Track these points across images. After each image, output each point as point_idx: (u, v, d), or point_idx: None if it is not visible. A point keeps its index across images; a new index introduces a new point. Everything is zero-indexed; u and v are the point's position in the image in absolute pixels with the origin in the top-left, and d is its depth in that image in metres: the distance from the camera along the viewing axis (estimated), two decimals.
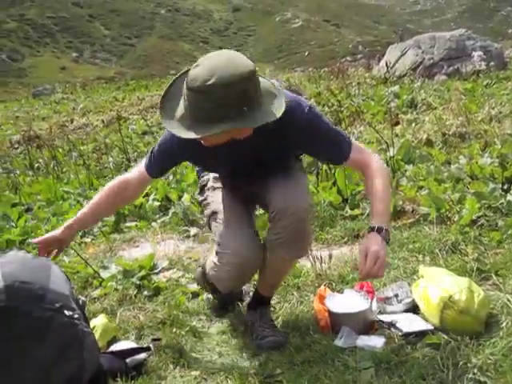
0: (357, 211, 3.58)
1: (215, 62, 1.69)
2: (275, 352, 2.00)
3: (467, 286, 1.99)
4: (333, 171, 4.12)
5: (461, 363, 1.76)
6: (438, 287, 2.05)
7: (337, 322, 2.11)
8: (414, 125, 5.95)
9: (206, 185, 2.32)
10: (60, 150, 7.79)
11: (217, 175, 2.28)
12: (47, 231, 4.00)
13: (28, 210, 4.75)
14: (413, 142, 5.03)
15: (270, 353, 2.00)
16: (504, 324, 1.92)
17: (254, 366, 1.91)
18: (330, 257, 2.82)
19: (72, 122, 11.14)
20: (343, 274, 2.67)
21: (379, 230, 1.88)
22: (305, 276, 2.70)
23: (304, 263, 2.89)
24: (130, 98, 13.39)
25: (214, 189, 2.27)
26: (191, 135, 1.71)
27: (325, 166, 4.16)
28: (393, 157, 4.20)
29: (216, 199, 2.21)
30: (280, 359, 1.93)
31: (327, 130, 1.98)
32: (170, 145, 2.02)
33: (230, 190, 2.22)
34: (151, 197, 4.36)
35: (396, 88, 8.20)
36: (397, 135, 5.30)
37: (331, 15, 42.29)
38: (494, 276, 2.30)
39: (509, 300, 2.04)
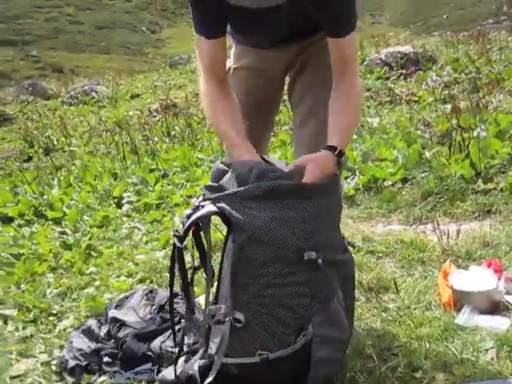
0: (490, 185, 3.41)
1: None
2: (394, 325, 2.01)
3: None
4: (466, 143, 3.95)
5: None
6: None
7: (460, 299, 2.07)
8: None
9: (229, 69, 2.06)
10: (195, 117, 8.12)
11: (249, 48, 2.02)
12: (181, 196, 4.27)
13: (164, 175, 5.05)
14: None
15: (390, 325, 2.01)
16: None
17: (372, 337, 1.93)
18: (458, 232, 2.74)
19: None
20: (471, 251, 2.59)
21: (332, 149, 1.65)
22: (430, 251, 2.64)
23: (431, 237, 2.84)
24: None
25: (236, 70, 2.05)
26: None
27: (458, 137, 3.98)
28: None
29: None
30: (399, 332, 1.93)
31: None
32: None
33: (257, 75, 2.02)
34: None
35: None
36: None
37: None
38: None
39: None
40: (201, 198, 1.52)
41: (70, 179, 5.41)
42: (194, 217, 1.45)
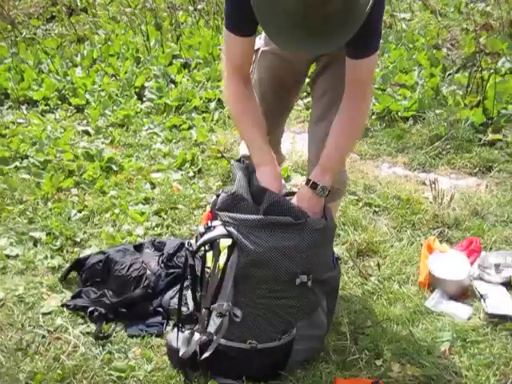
0: (498, 136, 3.54)
1: None
2: (372, 300, 2.29)
3: None
4: (487, 74, 3.95)
5: None
6: None
7: (433, 283, 2.33)
8: None
9: (258, 49, 2.14)
10: None
11: None
12: (201, 99, 4.39)
13: (186, 64, 5.13)
14: None
15: (368, 298, 2.30)
16: None
17: (350, 312, 2.20)
18: (452, 197, 2.92)
19: None
20: (460, 219, 2.80)
21: (313, 186, 1.81)
22: (423, 213, 2.85)
23: (427, 194, 3.04)
24: None
25: (264, 53, 2.13)
26: None
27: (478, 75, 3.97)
28: None
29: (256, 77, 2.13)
30: (374, 309, 2.22)
31: (380, 15, 1.71)
32: None
33: (282, 60, 2.08)
34: None
35: None
36: None
37: None
38: None
39: None
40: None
41: (92, 56, 5.47)
42: (205, 237, 1.74)
